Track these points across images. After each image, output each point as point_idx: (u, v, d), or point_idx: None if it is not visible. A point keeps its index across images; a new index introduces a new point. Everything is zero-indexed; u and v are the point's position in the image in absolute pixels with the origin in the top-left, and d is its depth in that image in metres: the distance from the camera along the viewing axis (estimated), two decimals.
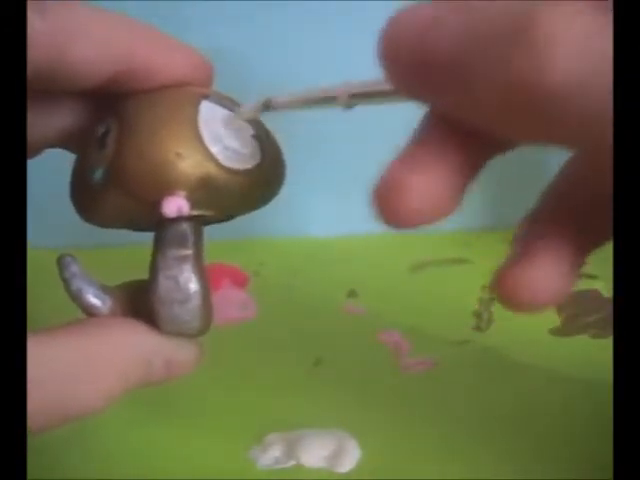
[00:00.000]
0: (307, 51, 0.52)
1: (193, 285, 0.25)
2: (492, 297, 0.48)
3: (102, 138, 0.25)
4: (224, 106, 0.26)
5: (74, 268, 0.26)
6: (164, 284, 0.25)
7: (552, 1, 0.18)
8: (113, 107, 0.26)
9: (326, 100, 0.24)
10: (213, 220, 0.26)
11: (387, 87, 0.22)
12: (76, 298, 0.26)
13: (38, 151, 0.28)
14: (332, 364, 0.43)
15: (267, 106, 0.26)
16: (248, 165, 0.25)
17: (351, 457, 0.36)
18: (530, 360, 0.42)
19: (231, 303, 0.48)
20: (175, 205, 0.24)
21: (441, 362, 0.42)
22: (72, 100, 0.27)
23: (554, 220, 0.23)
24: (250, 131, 0.26)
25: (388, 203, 0.23)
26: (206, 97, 0.26)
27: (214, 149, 0.25)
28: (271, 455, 0.36)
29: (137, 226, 0.26)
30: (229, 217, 0.27)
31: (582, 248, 0.23)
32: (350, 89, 0.24)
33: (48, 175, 0.46)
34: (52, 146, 0.28)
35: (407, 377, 0.42)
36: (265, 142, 0.27)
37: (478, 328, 0.46)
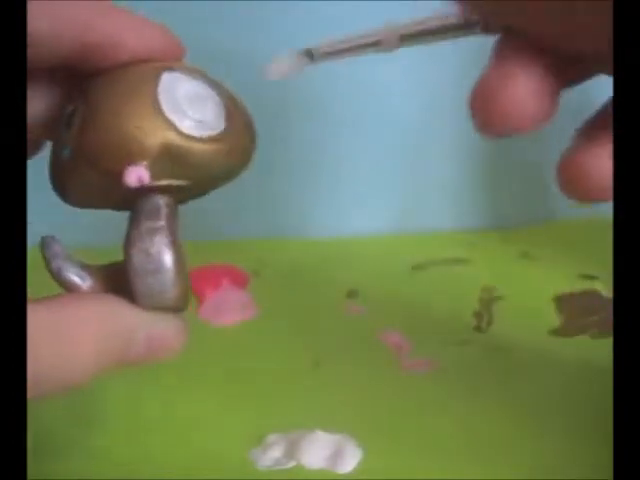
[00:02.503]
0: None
1: (166, 256, 0.25)
2: (492, 297, 0.48)
3: (69, 118, 0.26)
4: (192, 77, 0.26)
5: (56, 248, 0.26)
6: (137, 256, 0.25)
7: None
8: (80, 88, 0.26)
9: (371, 45, 0.24)
10: (186, 194, 0.27)
11: (434, 24, 0.23)
12: (56, 276, 0.26)
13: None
14: (332, 364, 0.43)
15: (309, 56, 0.25)
16: (212, 132, 0.26)
17: (351, 458, 0.36)
18: (530, 360, 0.42)
19: (231, 303, 0.48)
20: (135, 174, 0.25)
21: (441, 362, 0.42)
22: (46, 88, 0.27)
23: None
24: (216, 99, 0.27)
25: (483, 109, 0.23)
26: (169, 69, 0.26)
27: (174, 118, 0.25)
28: (271, 456, 0.36)
29: (111, 203, 0.27)
30: (202, 191, 0.27)
31: None
32: (398, 30, 0.23)
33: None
34: (36, 136, 0.28)
35: (407, 377, 0.42)
36: (232, 110, 0.27)
37: (478, 328, 0.46)
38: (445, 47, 0.54)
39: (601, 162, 0.22)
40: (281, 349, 0.44)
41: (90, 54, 0.25)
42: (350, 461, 0.36)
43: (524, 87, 0.22)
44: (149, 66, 0.26)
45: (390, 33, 0.23)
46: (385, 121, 0.55)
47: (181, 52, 0.27)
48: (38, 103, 0.27)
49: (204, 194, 0.28)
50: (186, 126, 0.25)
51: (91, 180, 0.25)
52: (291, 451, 0.36)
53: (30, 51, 0.24)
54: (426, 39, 0.24)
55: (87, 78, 0.26)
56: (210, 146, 0.26)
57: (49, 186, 0.27)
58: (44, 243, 0.26)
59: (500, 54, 0.23)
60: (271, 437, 0.37)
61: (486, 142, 0.57)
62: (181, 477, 0.35)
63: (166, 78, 0.26)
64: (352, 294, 0.49)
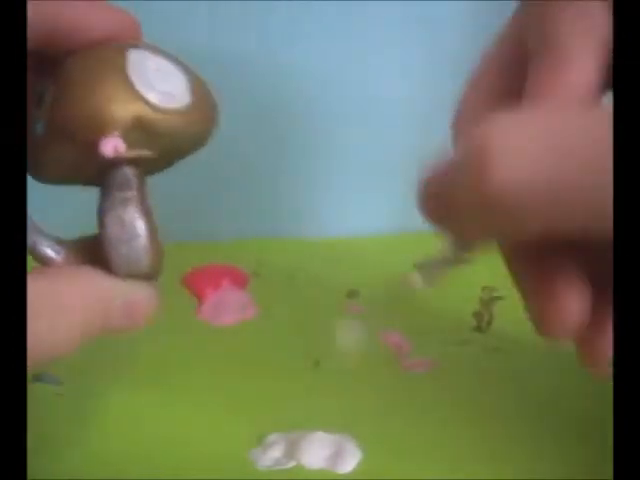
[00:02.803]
0: (313, 50, 0.52)
1: (139, 223, 0.26)
2: (492, 297, 0.48)
3: (40, 97, 0.27)
4: (156, 54, 0.28)
5: (29, 223, 0.27)
6: (112, 225, 0.26)
7: (496, 115, 0.21)
8: (48, 69, 0.27)
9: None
10: (153, 166, 0.27)
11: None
12: (32, 250, 0.26)
13: None
14: (332, 364, 0.43)
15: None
16: (179, 105, 0.27)
17: (351, 458, 0.36)
18: (530, 360, 0.42)
19: (231, 303, 0.48)
20: (111, 145, 0.25)
21: (441, 362, 0.42)
22: None
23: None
24: (179, 74, 0.28)
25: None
26: (135, 47, 0.27)
27: (144, 91, 0.26)
28: (271, 456, 0.36)
29: (84, 178, 0.27)
30: (168, 163, 0.28)
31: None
32: None
33: None
34: None
35: (407, 377, 0.42)
36: (194, 84, 0.28)
37: (478, 329, 0.46)
38: (445, 48, 0.54)
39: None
40: (281, 349, 0.44)
41: (55, 39, 0.26)
42: (350, 461, 0.36)
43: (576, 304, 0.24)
44: (115, 45, 0.27)
45: None
46: (385, 121, 0.55)
47: (140, 32, 0.28)
48: None
49: (169, 166, 0.28)
50: (155, 98, 0.26)
51: (64, 153, 0.26)
52: (291, 451, 0.36)
53: None
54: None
55: (55, 59, 0.27)
56: (177, 117, 0.26)
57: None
58: None
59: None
60: (271, 437, 0.37)
61: None
62: (181, 477, 0.35)
63: (133, 54, 0.27)
64: (352, 294, 0.49)
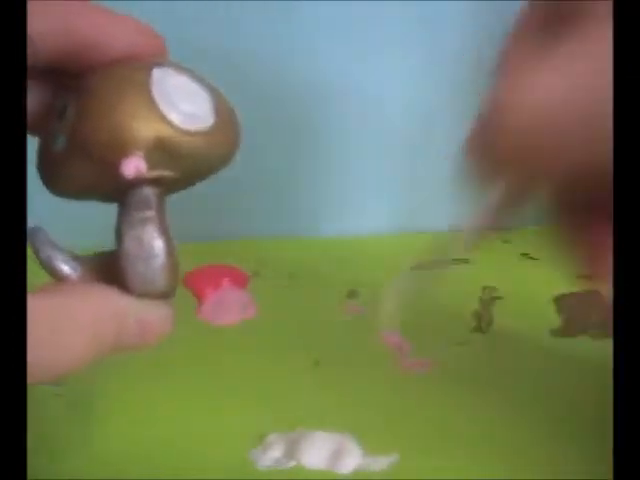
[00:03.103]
0: (313, 50, 0.52)
1: (157, 243, 0.26)
2: (492, 297, 0.48)
3: (62, 111, 0.26)
4: (180, 73, 0.27)
5: (42, 236, 0.26)
6: (129, 243, 0.26)
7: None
8: (70, 84, 0.27)
9: None
10: (174, 186, 0.27)
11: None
12: (46, 265, 0.26)
13: None
14: (332, 364, 0.43)
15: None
16: (202, 126, 0.26)
17: (351, 458, 0.36)
18: (530, 360, 0.42)
19: (231, 303, 0.48)
20: (133, 165, 0.25)
21: (441, 363, 0.42)
22: (36, 85, 0.27)
23: None
24: (204, 95, 0.27)
25: None
26: (159, 65, 0.27)
27: (168, 111, 0.26)
28: (271, 455, 0.36)
29: (102, 194, 0.27)
30: (189, 183, 0.28)
31: None
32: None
33: None
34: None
35: (407, 377, 0.42)
36: (219, 105, 0.27)
37: (478, 329, 0.46)
38: (445, 48, 0.54)
39: None
40: (281, 349, 0.44)
41: (75, 55, 0.26)
42: (350, 461, 0.36)
43: None
44: (139, 62, 0.27)
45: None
46: (385, 121, 0.55)
47: (164, 49, 0.28)
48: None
49: (190, 186, 0.28)
50: (178, 119, 0.26)
51: (84, 170, 0.26)
52: (291, 451, 0.36)
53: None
54: None
55: (77, 73, 0.26)
56: (200, 139, 0.26)
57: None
58: (31, 233, 0.26)
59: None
60: (271, 437, 0.37)
61: None
62: (181, 477, 0.35)
63: (157, 73, 0.26)
64: (352, 294, 0.49)
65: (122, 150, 0.25)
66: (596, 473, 0.34)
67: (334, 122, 0.54)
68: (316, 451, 0.36)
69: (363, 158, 0.56)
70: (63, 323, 0.24)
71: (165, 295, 0.27)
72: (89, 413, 0.39)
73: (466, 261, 0.53)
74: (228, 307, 0.48)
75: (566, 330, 0.45)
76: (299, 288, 0.50)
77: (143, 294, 0.26)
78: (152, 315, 0.26)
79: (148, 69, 0.26)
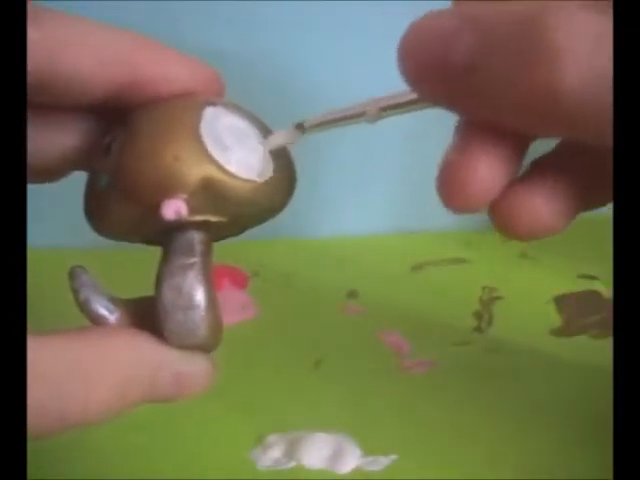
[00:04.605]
0: (311, 53, 0.52)
1: (198, 292, 0.25)
2: (492, 297, 0.48)
3: (108, 146, 0.25)
4: (235, 113, 0.26)
5: (84, 278, 0.25)
6: (168, 292, 0.25)
7: (556, 1, 0.19)
8: (120, 118, 0.26)
9: (356, 116, 0.26)
10: (222, 232, 0.26)
11: (412, 96, 0.24)
12: (84, 308, 0.25)
13: (61, 173, 0.28)
14: (332, 365, 0.43)
15: (300, 129, 0.27)
16: (253, 173, 0.25)
17: (351, 458, 0.36)
18: (530, 360, 0.42)
19: (231, 303, 0.48)
20: (173, 208, 0.24)
21: (441, 363, 0.42)
22: (86, 118, 0.27)
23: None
24: (259, 138, 0.27)
25: (448, 191, 0.25)
26: (213, 104, 0.26)
27: (216, 153, 0.24)
28: (271, 456, 0.36)
29: (145, 235, 0.26)
30: (239, 229, 0.27)
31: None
32: (378, 103, 0.26)
33: None
34: (73, 167, 0.28)
35: (407, 378, 0.42)
36: (277, 154, 0.27)
37: (478, 328, 0.46)
38: None
39: (533, 203, 0.23)
40: (281, 349, 0.44)
41: (129, 91, 0.25)
42: (350, 461, 0.36)
43: (487, 171, 0.23)
44: (192, 99, 0.25)
45: (372, 106, 0.26)
46: (385, 121, 0.55)
47: (222, 87, 0.27)
48: (73, 132, 0.27)
49: (241, 232, 0.27)
50: (228, 162, 0.25)
51: (126, 211, 0.25)
52: (291, 451, 0.36)
53: (69, 87, 0.24)
54: (404, 110, 0.26)
55: (126, 110, 0.26)
56: (250, 186, 0.25)
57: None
58: (72, 273, 0.25)
59: (463, 135, 0.24)
60: (271, 437, 0.37)
61: None
62: (181, 477, 0.35)
63: (209, 112, 0.25)
64: (352, 294, 0.49)
65: (164, 192, 0.24)
66: (596, 473, 0.34)
67: None
68: (316, 451, 0.36)
69: (363, 158, 0.56)
70: (81, 370, 0.23)
71: (206, 348, 0.26)
72: None
73: (466, 261, 0.53)
74: (228, 307, 0.48)
75: (566, 330, 0.45)
76: (299, 288, 0.50)
77: (181, 346, 0.25)
78: (190, 368, 0.25)
79: (199, 107, 0.25)
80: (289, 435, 0.37)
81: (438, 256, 0.53)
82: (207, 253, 0.25)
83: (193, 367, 0.25)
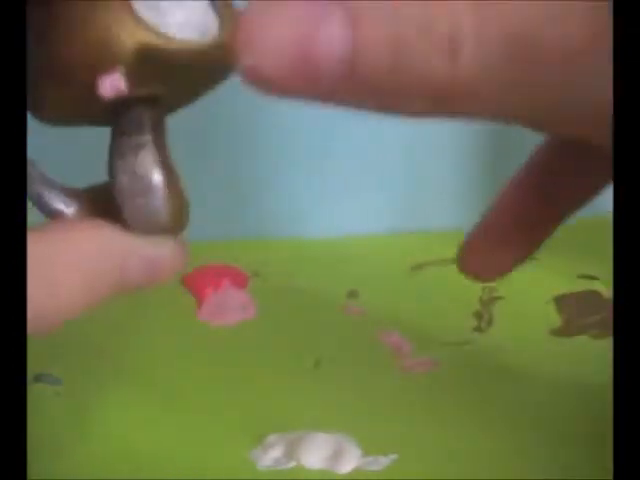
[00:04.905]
0: None
1: (154, 174, 0.23)
2: (492, 297, 0.48)
3: (35, 29, 0.23)
4: None
5: (33, 172, 0.24)
6: (122, 176, 0.23)
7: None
8: None
9: None
10: (176, 102, 0.24)
11: None
12: (37, 203, 0.24)
13: None
14: (332, 365, 0.43)
15: None
16: (197, 33, 0.23)
17: (351, 458, 0.36)
18: (530, 360, 0.42)
19: (231, 303, 0.48)
20: (109, 83, 0.22)
21: (441, 363, 0.42)
22: None
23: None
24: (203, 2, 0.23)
25: (470, 268, 0.28)
26: None
27: (150, 14, 0.22)
28: (271, 456, 0.36)
29: (88, 118, 0.24)
30: (193, 96, 0.24)
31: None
32: None
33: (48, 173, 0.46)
34: None
35: (407, 378, 0.42)
36: (223, 13, 0.23)
37: (478, 329, 0.46)
38: None
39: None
40: (281, 349, 0.44)
41: None
42: (350, 461, 0.36)
43: (503, 257, 0.27)
44: None
45: None
46: (384, 121, 0.55)
47: None
48: None
49: (192, 102, 0.24)
50: (167, 25, 0.22)
51: (62, 94, 0.23)
52: (291, 451, 0.36)
53: None
54: None
55: None
56: (196, 48, 0.22)
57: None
58: None
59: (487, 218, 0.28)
60: (271, 437, 0.37)
61: (486, 142, 0.57)
62: (181, 477, 0.35)
63: None
64: (352, 294, 0.49)
65: (99, 68, 0.22)
66: (596, 473, 0.34)
67: (333, 122, 0.54)
68: (316, 451, 0.36)
69: (362, 158, 0.56)
70: (56, 264, 0.22)
71: (172, 230, 0.24)
72: (89, 413, 0.39)
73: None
74: (228, 307, 0.48)
75: (566, 330, 0.45)
76: (299, 288, 0.50)
77: (146, 231, 0.23)
78: (158, 252, 0.24)
79: None
80: (289, 435, 0.37)
81: (438, 256, 0.53)
82: (159, 128, 0.23)
83: (161, 251, 0.24)
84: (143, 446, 0.37)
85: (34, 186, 0.23)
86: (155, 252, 0.24)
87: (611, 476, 0.20)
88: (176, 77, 0.23)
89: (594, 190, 0.27)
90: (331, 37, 0.17)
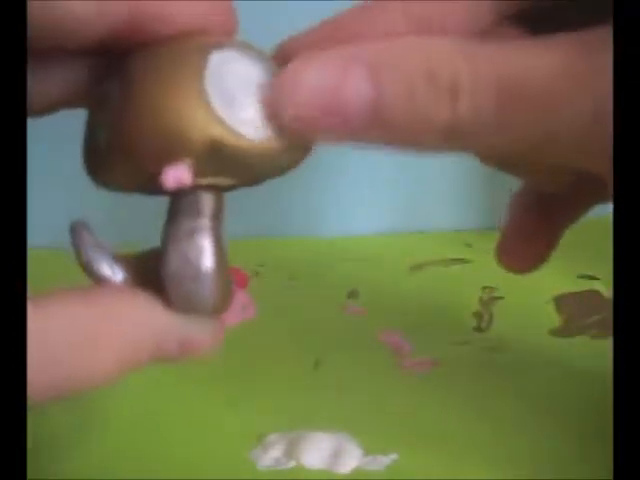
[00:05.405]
0: None
1: (206, 260, 0.23)
2: (492, 297, 0.48)
3: (105, 95, 0.23)
4: (245, 57, 0.23)
5: (86, 236, 0.23)
6: (174, 259, 0.22)
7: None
8: (120, 60, 0.23)
9: None
10: (234, 189, 0.24)
11: None
12: (87, 268, 0.23)
13: (48, 110, 0.26)
14: (332, 364, 0.43)
15: None
16: (267, 132, 0.22)
17: (351, 458, 0.36)
18: (530, 360, 0.42)
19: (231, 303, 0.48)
20: (173, 176, 0.22)
21: (441, 362, 0.42)
22: (80, 55, 0.25)
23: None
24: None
25: (507, 262, 0.33)
26: (220, 47, 0.22)
27: (224, 110, 0.22)
28: (271, 456, 0.36)
29: (152, 193, 0.24)
30: (252, 184, 0.25)
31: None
32: None
33: (49, 173, 0.46)
34: (64, 105, 0.25)
35: (407, 377, 0.42)
36: None
37: (478, 328, 0.46)
38: None
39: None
40: (281, 349, 0.44)
41: (132, 30, 0.23)
42: (350, 461, 0.36)
43: (537, 250, 0.33)
44: (195, 42, 0.22)
45: None
46: None
47: (233, 24, 0.24)
48: (68, 75, 0.25)
49: (254, 185, 0.25)
50: (238, 122, 0.22)
51: (126, 171, 0.23)
52: (291, 451, 0.36)
53: (74, 31, 0.22)
54: None
55: (127, 50, 0.23)
56: (265, 148, 0.22)
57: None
58: (73, 230, 0.23)
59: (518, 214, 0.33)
60: (271, 437, 0.37)
61: None
62: (181, 477, 0.35)
63: (215, 58, 0.22)
64: (352, 294, 0.49)
65: (166, 157, 0.21)
66: (596, 473, 0.34)
67: None
68: (316, 451, 0.36)
69: (362, 157, 0.56)
70: (93, 331, 0.22)
71: (215, 313, 0.24)
72: (89, 413, 0.39)
73: (466, 261, 0.53)
74: None
75: (566, 330, 0.45)
76: (299, 288, 0.50)
77: (189, 313, 0.23)
78: (196, 332, 0.24)
79: (204, 52, 0.22)
80: (289, 435, 0.37)
81: (438, 256, 0.53)
82: (218, 213, 0.23)
83: (199, 331, 0.24)
84: (142, 446, 0.37)
85: (85, 251, 0.23)
86: (194, 333, 0.24)
87: (611, 476, 0.20)
88: (241, 170, 0.23)
89: (587, 207, 0.32)
90: (357, 87, 0.22)
